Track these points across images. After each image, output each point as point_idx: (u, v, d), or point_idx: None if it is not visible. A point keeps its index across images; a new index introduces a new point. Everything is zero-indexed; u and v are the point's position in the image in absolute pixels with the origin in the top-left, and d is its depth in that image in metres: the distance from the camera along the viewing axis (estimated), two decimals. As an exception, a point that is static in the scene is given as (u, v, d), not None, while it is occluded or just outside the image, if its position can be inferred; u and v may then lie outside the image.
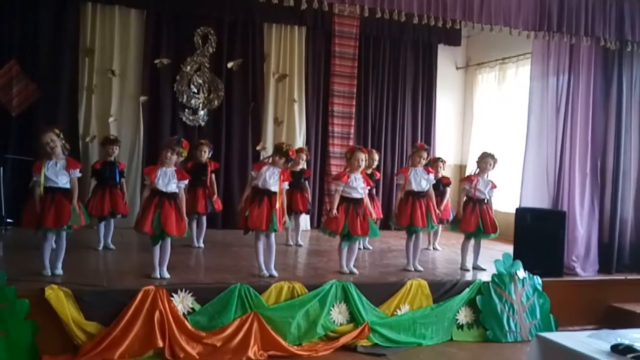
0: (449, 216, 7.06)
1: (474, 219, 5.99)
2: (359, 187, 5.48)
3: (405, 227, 5.88)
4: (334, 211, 5.43)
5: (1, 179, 7.24)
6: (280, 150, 5.39)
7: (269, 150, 8.13)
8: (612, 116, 6.54)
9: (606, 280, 6.28)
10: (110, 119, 8.12)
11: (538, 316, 5.61)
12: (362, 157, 5.56)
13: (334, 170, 8.80)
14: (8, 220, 7.17)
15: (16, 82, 7.68)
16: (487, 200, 6.08)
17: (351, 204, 5.47)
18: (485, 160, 6.09)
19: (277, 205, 5.22)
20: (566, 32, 6.09)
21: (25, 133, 7.68)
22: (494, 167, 6.12)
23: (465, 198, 6.13)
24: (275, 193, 5.25)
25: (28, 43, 7.78)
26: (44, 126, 5.04)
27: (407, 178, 5.84)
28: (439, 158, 7.50)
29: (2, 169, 7.29)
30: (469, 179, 6.16)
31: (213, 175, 6.84)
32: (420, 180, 5.84)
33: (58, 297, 4.26)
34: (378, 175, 7.53)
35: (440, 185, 7.22)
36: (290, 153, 5.41)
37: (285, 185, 5.43)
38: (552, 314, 5.68)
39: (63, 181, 4.82)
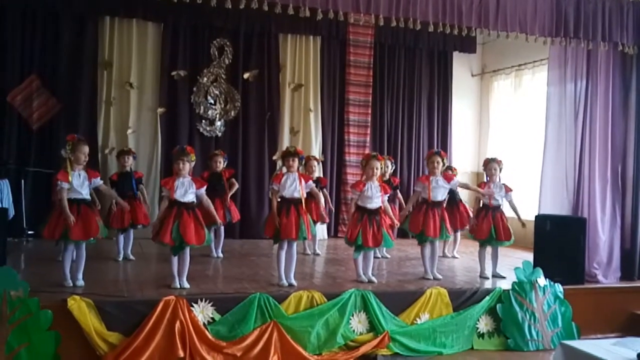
0: (467, 224, 7.01)
1: (486, 226, 5.96)
2: (374, 196, 5.47)
3: (416, 235, 5.86)
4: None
5: (22, 191, 7.36)
6: (288, 153, 5.45)
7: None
8: (632, 121, 6.47)
9: (629, 288, 6.19)
10: (129, 131, 8.22)
11: (560, 324, 5.54)
12: (377, 164, 5.56)
13: (350, 179, 8.80)
14: (29, 232, 7.27)
15: (36, 97, 7.82)
16: (501, 207, 6.04)
17: (366, 214, 5.47)
18: (490, 167, 6.09)
19: (309, 207, 5.42)
20: (583, 38, 6.06)
21: (46, 146, 7.83)
22: (500, 171, 6.10)
23: (480, 205, 6.10)
24: (300, 200, 5.29)
25: (48, 57, 7.93)
26: (83, 138, 5.13)
27: (430, 187, 5.78)
28: (449, 167, 7.44)
29: (23, 181, 7.41)
30: (483, 186, 6.13)
31: (228, 182, 6.78)
32: (438, 191, 5.82)
33: (80, 308, 4.30)
34: (397, 181, 7.50)
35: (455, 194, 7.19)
36: (298, 151, 5.47)
37: (311, 184, 5.48)
38: (574, 322, 5.62)
39: (86, 192, 4.93)
